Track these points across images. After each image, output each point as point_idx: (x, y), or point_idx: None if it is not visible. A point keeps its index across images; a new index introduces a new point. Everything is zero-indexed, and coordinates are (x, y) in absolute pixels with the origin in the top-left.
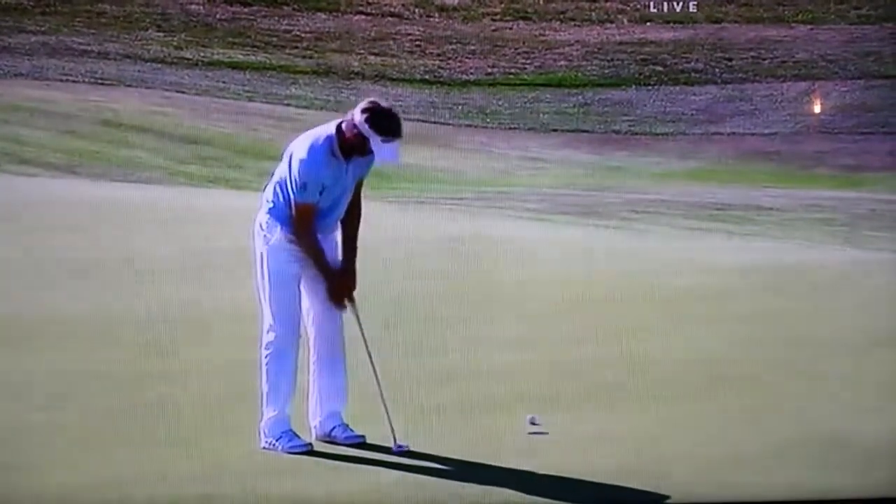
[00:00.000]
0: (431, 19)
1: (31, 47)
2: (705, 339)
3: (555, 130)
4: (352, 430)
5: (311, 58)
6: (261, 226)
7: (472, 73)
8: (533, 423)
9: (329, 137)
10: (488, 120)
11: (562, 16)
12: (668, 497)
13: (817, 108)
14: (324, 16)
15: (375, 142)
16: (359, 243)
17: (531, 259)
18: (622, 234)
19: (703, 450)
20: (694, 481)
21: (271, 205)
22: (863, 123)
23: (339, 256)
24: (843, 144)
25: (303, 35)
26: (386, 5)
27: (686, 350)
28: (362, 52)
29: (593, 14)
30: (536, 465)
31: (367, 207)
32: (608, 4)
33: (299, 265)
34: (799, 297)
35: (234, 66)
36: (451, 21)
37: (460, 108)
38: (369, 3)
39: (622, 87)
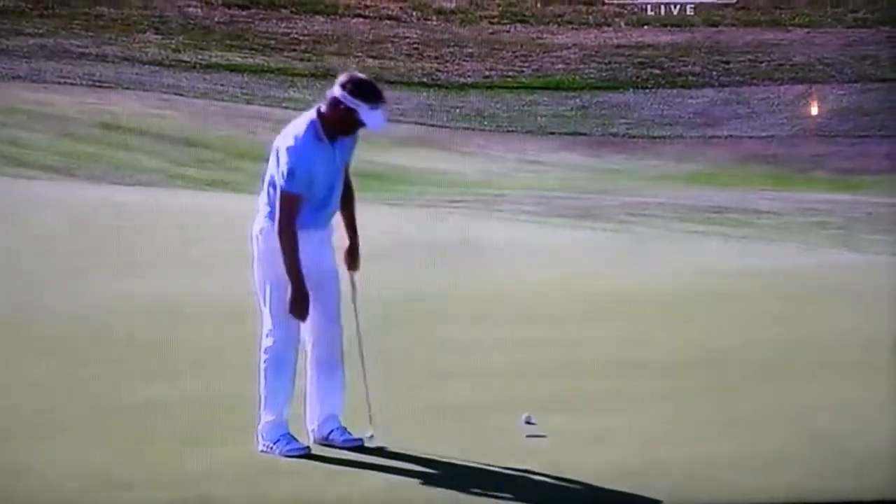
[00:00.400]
0: (429, 23)
1: (28, 50)
2: (702, 342)
3: (552, 133)
4: (350, 434)
5: (309, 60)
6: (259, 231)
7: (469, 77)
8: (528, 423)
9: (312, 122)
10: (486, 123)
11: (559, 19)
12: (666, 500)
13: (814, 112)
14: (322, 19)
15: (363, 111)
16: (358, 243)
17: (528, 261)
18: (619, 237)
19: (702, 453)
20: (692, 484)
21: (268, 209)
22: (859, 127)
23: (332, 251)
24: (840, 148)
25: (301, 38)
26: (383, 9)
27: (683, 352)
28: (360, 54)
29: (591, 17)
30: (535, 466)
31: (365, 210)
32: (605, 8)
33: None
34: (796, 299)
35: (232, 68)
36: (448, 24)
37: (458, 110)
38: (367, 7)
39: (619, 90)
